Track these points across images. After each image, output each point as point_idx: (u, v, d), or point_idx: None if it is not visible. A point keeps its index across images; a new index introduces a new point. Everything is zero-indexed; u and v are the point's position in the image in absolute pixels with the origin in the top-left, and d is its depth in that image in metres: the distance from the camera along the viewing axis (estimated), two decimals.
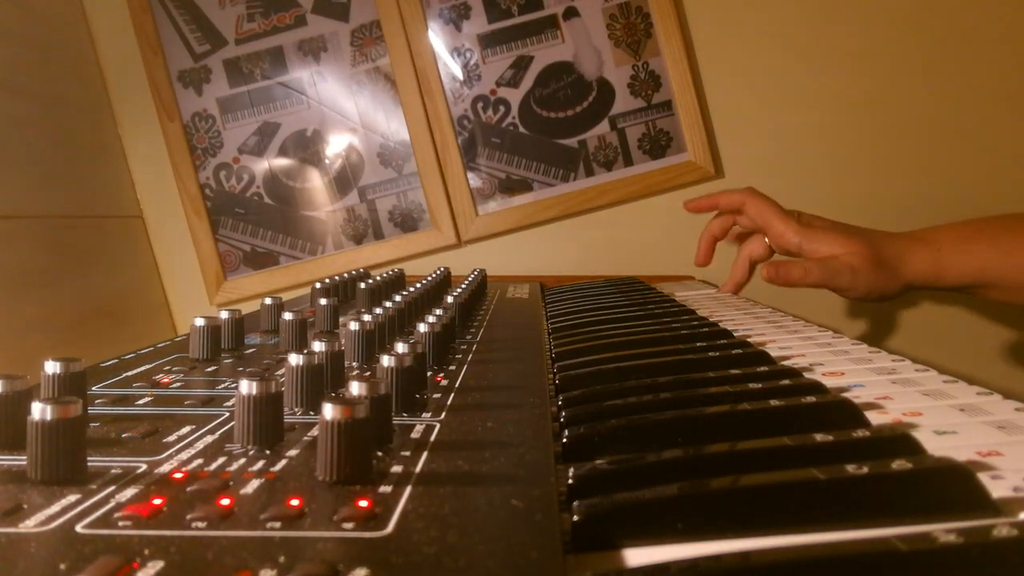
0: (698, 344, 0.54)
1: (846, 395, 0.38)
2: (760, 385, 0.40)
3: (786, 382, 0.41)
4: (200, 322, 0.51)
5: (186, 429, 0.35)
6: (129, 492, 0.27)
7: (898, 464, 0.27)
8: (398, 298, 0.61)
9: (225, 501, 0.26)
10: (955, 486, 0.26)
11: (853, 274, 0.75)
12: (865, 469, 0.27)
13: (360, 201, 1.23)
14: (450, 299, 0.63)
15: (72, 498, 0.27)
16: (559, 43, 1.19)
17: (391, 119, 1.22)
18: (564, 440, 0.34)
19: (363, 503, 0.26)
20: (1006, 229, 0.77)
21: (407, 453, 0.32)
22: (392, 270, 0.87)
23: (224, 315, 0.55)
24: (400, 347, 0.40)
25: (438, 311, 0.53)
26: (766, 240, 0.85)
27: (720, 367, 0.46)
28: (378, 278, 0.79)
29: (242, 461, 0.31)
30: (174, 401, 0.40)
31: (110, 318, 1.10)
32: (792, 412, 0.36)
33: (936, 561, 0.22)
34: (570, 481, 0.29)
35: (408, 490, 0.27)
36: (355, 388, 0.32)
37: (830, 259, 0.76)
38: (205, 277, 1.23)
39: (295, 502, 0.26)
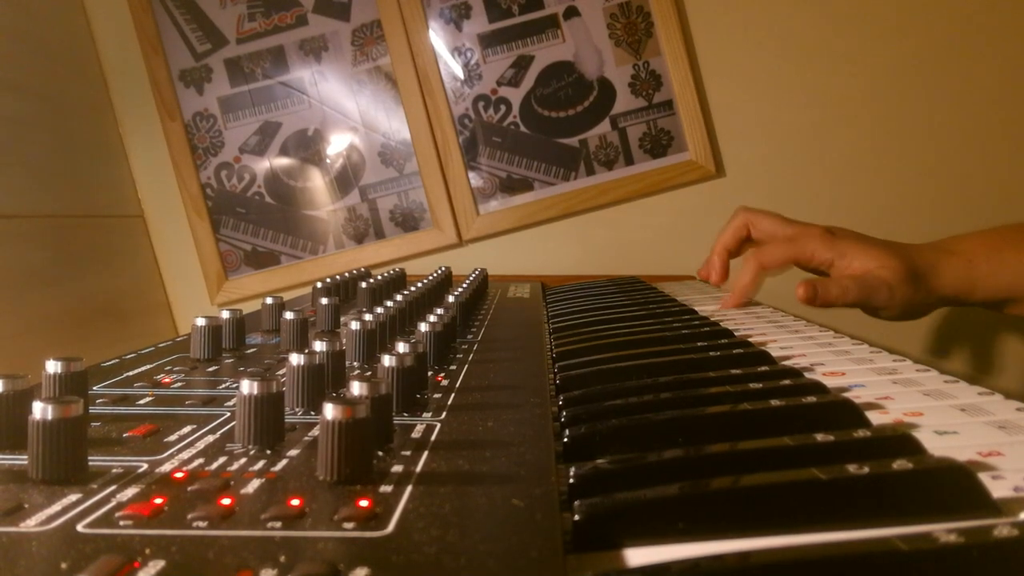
0: (699, 344, 0.54)
1: (847, 395, 0.38)
2: (761, 385, 0.40)
3: (787, 382, 0.41)
4: (201, 322, 0.51)
5: (187, 429, 0.35)
6: (130, 492, 0.27)
7: (899, 464, 0.27)
8: (399, 298, 0.61)
9: (226, 501, 0.26)
10: (956, 486, 0.26)
11: (890, 290, 0.70)
12: (866, 469, 0.27)
13: (361, 200, 1.23)
14: (451, 299, 0.63)
15: (73, 497, 0.27)
16: (560, 43, 1.19)
17: (392, 118, 1.22)
18: (565, 440, 0.34)
19: (364, 503, 0.26)
20: None
21: (408, 453, 0.32)
22: (393, 269, 0.87)
23: (225, 315, 0.55)
24: (401, 347, 0.40)
25: (439, 311, 0.53)
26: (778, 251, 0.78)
27: (721, 367, 0.46)
28: (379, 277, 0.79)
29: (243, 461, 0.31)
30: (175, 401, 0.40)
31: (111, 318, 1.10)
32: (793, 412, 0.36)
33: (937, 561, 0.22)
34: (571, 481, 0.29)
35: (409, 490, 0.27)
36: (356, 388, 0.32)
37: (866, 275, 0.71)
38: (206, 277, 1.23)
39: (296, 502, 0.26)
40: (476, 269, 0.92)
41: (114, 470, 0.30)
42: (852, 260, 0.72)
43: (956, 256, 0.73)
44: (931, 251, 0.74)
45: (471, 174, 1.21)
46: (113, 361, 0.50)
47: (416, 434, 0.34)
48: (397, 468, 0.30)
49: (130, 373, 0.47)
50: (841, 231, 0.76)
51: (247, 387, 0.32)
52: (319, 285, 0.80)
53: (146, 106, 1.22)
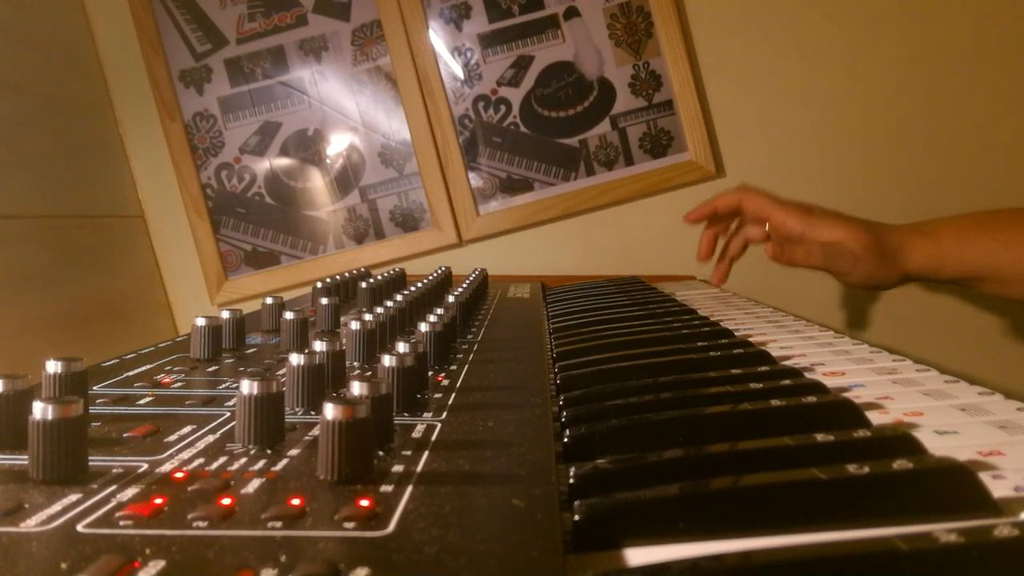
0: (699, 344, 0.54)
1: (847, 395, 0.38)
2: (761, 385, 0.40)
3: (787, 382, 0.41)
4: (201, 322, 0.51)
5: (187, 429, 0.35)
6: (130, 492, 0.27)
7: (899, 464, 0.27)
8: (399, 298, 0.61)
9: (226, 501, 0.26)
10: (956, 486, 0.26)
11: (854, 259, 0.76)
12: (866, 469, 0.27)
13: (361, 201, 1.23)
14: (451, 299, 0.63)
15: (73, 497, 0.27)
16: (560, 43, 1.19)
17: (392, 118, 1.22)
18: (565, 440, 0.34)
19: (364, 503, 0.26)
20: (1007, 222, 0.78)
21: (408, 453, 0.32)
22: (393, 269, 0.87)
23: (225, 315, 0.55)
24: (401, 347, 0.40)
25: (439, 311, 0.52)
26: (766, 227, 0.85)
27: (721, 367, 0.46)
28: (379, 277, 0.79)
29: (243, 461, 0.31)
30: (175, 401, 0.40)
31: (111, 318, 1.10)
32: (793, 412, 0.36)
33: (937, 561, 0.22)
34: (571, 481, 0.29)
35: (409, 490, 0.27)
36: (356, 388, 0.32)
37: (833, 243, 0.77)
38: (206, 277, 1.23)
39: (296, 502, 0.26)
40: (476, 269, 0.92)
41: (114, 470, 0.30)
42: (821, 232, 0.78)
43: (924, 236, 0.78)
44: (902, 230, 0.79)
45: (471, 174, 1.21)
46: (113, 361, 0.50)
47: (416, 434, 0.34)
48: (397, 468, 0.30)
49: (130, 373, 0.47)
50: (818, 208, 0.82)
51: (247, 387, 0.32)
52: (319, 285, 0.80)
53: (146, 106, 1.22)
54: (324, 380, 0.39)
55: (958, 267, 0.77)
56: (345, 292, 0.83)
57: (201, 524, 0.25)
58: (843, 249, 0.76)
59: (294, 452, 0.32)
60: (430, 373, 0.46)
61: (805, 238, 0.79)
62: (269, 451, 0.32)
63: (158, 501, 0.26)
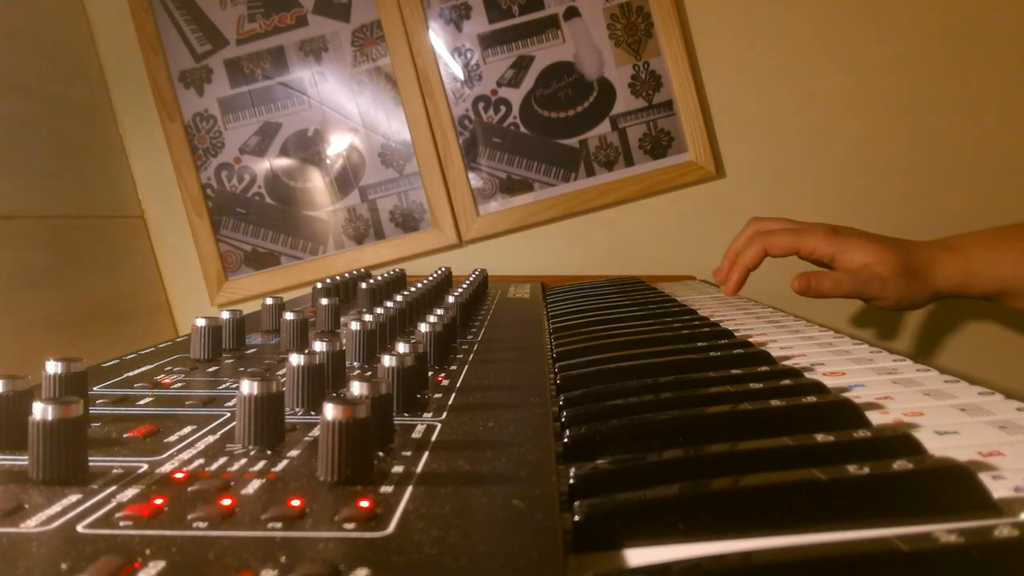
0: (699, 344, 0.54)
1: (847, 395, 0.38)
2: (761, 385, 0.40)
3: (787, 382, 0.41)
4: (201, 322, 0.51)
5: (187, 429, 0.35)
6: (130, 492, 0.27)
7: (899, 464, 0.27)
8: (399, 298, 0.61)
9: (226, 501, 0.26)
10: (956, 486, 0.26)
11: (883, 283, 0.74)
12: (866, 469, 0.27)
13: (361, 201, 1.23)
14: (451, 299, 0.63)
15: (73, 498, 0.27)
16: (560, 43, 1.19)
17: (392, 119, 1.22)
18: (565, 440, 0.34)
19: (364, 503, 0.26)
20: None
21: (408, 453, 0.32)
22: (393, 270, 0.87)
23: (225, 315, 0.55)
24: (401, 347, 0.40)
25: (439, 311, 0.53)
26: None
27: (721, 367, 0.46)
28: (379, 278, 0.79)
29: (243, 461, 0.31)
30: (175, 401, 0.40)
31: (111, 318, 1.10)
32: (793, 412, 0.36)
33: (937, 561, 0.22)
34: (571, 481, 0.29)
35: (409, 490, 0.27)
36: (356, 388, 0.32)
37: (860, 269, 0.75)
38: (206, 277, 1.23)
39: (296, 502, 0.26)
40: (476, 269, 0.92)
41: (114, 470, 0.30)
42: (852, 255, 0.76)
43: (953, 252, 0.77)
44: (930, 247, 0.78)
45: (471, 175, 1.21)
46: (113, 361, 0.50)
47: (417, 434, 0.34)
48: (398, 468, 0.30)
49: (130, 373, 0.47)
50: (844, 228, 0.80)
51: (247, 387, 0.32)
52: (319, 286, 0.80)
53: (146, 107, 1.22)
54: (324, 380, 0.39)
55: (989, 282, 0.76)
56: (345, 293, 0.83)
57: (201, 525, 0.25)
58: (870, 274, 0.74)
59: (294, 453, 0.32)
60: (430, 373, 0.46)
61: (835, 262, 0.77)
62: (269, 452, 0.32)
63: (158, 502, 0.26)
